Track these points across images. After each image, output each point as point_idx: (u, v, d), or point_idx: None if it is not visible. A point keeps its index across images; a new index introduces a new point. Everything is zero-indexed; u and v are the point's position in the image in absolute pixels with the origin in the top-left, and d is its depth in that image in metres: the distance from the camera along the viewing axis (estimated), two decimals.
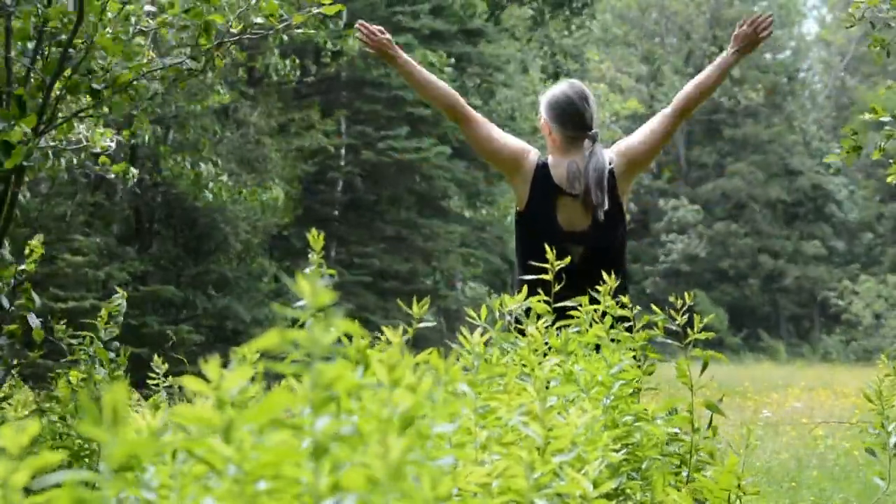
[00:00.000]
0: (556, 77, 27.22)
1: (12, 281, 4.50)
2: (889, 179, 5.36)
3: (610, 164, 4.31)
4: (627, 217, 4.40)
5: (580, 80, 26.66)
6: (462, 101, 4.43)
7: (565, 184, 4.28)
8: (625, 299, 2.94)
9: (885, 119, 5.12)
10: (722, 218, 45.68)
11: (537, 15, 26.99)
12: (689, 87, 4.41)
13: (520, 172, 4.33)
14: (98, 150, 4.83)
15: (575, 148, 4.34)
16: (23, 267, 4.52)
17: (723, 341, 40.50)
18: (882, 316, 40.93)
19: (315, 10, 4.62)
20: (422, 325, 2.45)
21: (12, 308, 4.48)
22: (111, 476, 1.07)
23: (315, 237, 2.48)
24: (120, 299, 4.60)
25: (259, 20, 4.58)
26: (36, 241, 4.63)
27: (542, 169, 4.32)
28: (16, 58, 4.42)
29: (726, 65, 4.42)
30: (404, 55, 4.43)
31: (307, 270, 2.57)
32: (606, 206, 4.25)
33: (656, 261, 45.07)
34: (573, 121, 4.35)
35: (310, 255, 2.55)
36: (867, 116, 5.13)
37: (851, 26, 5.59)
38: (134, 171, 5.01)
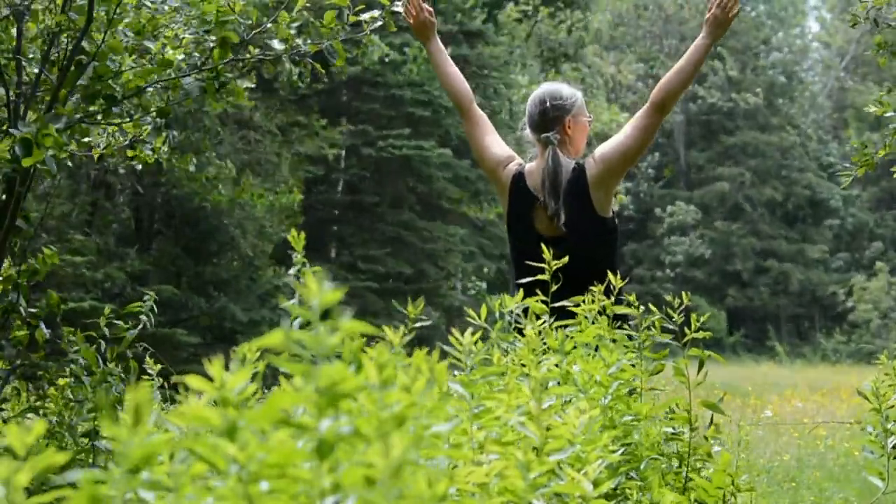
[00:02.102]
0: (553, 71, 27.19)
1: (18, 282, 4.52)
2: None
3: (576, 171, 4.24)
4: (610, 215, 4.26)
5: (579, 78, 26.48)
6: (473, 99, 4.44)
7: (539, 191, 4.27)
8: (632, 298, 2.95)
9: (890, 114, 5.11)
10: (722, 219, 45.67)
11: (529, 10, 26.93)
12: (665, 79, 4.21)
13: (498, 183, 4.35)
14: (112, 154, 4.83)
15: (542, 152, 4.32)
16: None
17: (724, 342, 40.50)
18: (883, 317, 40.91)
19: (326, 43, 4.63)
20: (418, 324, 2.45)
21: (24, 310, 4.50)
22: (125, 475, 1.09)
23: (295, 238, 2.47)
24: (149, 301, 4.63)
25: (277, 44, 4.59)
26: (49, 251, 4.65)
27: (519, 179, 4.31)
28: (26, 60, 4.44)
29: (700, 52, 4.19)
30: (438, 40, 4.45)
31: (290, 272, 2.57)
32: (563, 217, 4.19)
33: (659, 263, 45.04)
34: (534, 122, 4.34)
35: (293, 256, 2.54)
36: (872, 109, 5.12)
37: (855, 25, 5.60)
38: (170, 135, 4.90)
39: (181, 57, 4.52)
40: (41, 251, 4.67)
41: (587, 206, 4.21)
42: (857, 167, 5.35)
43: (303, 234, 2.49)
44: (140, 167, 5.07)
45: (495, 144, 4.39)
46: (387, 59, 20.57)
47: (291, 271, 2.49)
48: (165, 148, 4.86)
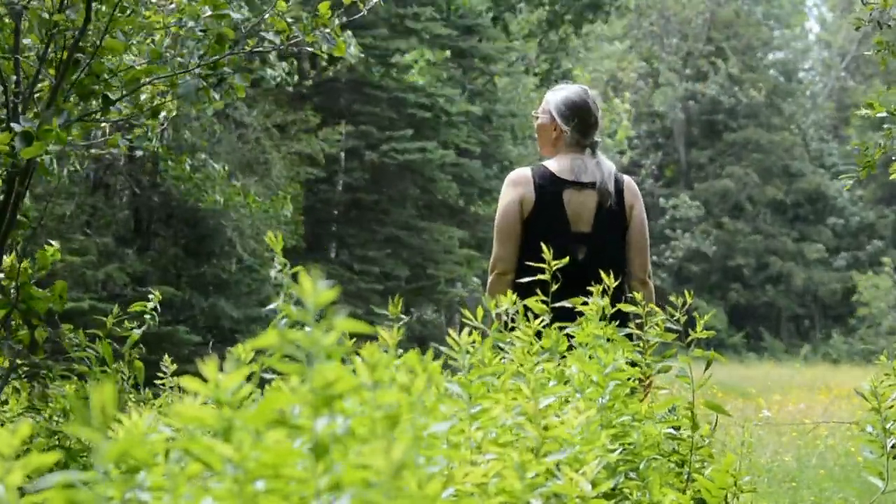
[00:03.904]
0: (560, 78, 27.13)
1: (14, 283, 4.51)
2: (893, 177, 5.40)
3: (617, 177, 4.39)
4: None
5: (579, 81, 26.71)
6: (507, 273, 4.29)
7: (569, 175, 4.32)
8: (639, 297, 2.96)
9: (883, 115, 5.14)
10: (723, 218, 45.65)
11: (551, 17, 26.74)
12: (635, 285, 4.38)
13: (526, 197, 4.31)
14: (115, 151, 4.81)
15: (578, 151, 4.39)
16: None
17: (724, 341, 40.47)
18: (885, 316, 40.88)
19: (326, 31, 4.62)
20: (402, 322, 2.44)
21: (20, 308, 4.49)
22: (110, 477, 1.08)
23: (272, 238, 2.44)
24: (153, 301, 4.61)
25: (271, 36, 4.58)
26: (52, 247, 4.64)
27: (541, 171, 4.36)
28: (24, 59, 4.43)
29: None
30: None
31: (272, 273, 2.54)
32: (614, 201, 4.31)
33: (659, 262, 45.02)
34: (586, 125, 4.41)
35: (274, 260, 2.50)
36: (863, 112, 5.16)
37: (858, 28, 5.61)
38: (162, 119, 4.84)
39: (174, 45, 4.51)
40: (41, 249, 4.66)
41: (622, 207, 4.37)
42: (860, 169, 5.37)
43: (280, 235, 2.47)
44: (137, 167, 5.07)
45: (508, 216, 4.31)
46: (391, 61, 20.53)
47: (272, 272, 2.47)
48: (158, 145, 4.85)
